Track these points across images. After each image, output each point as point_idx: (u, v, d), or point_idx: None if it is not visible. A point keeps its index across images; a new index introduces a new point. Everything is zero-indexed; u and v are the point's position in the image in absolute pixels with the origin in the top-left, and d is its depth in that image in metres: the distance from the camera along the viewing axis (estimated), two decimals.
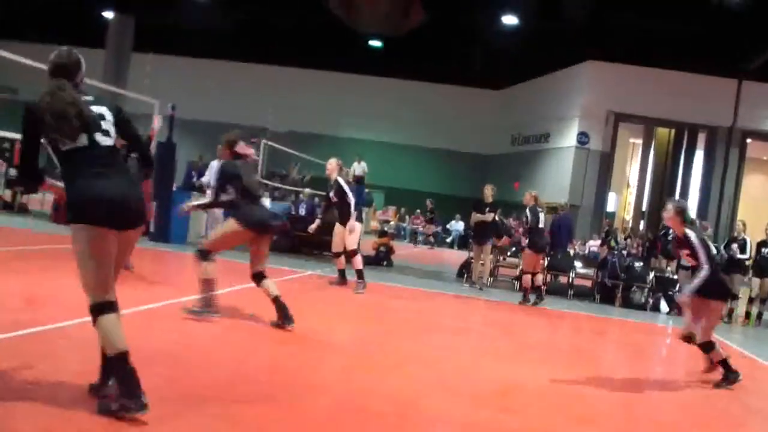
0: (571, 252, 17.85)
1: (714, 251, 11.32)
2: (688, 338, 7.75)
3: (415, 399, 5.66)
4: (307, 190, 20.78)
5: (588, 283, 16.23)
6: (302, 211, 19.42)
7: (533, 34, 28.05)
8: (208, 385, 5.34)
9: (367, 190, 24.83)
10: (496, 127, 35.97)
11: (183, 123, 17.36)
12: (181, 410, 4.55)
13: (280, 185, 23.86)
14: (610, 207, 32.18)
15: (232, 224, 7.54)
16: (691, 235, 7.61)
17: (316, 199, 21.40)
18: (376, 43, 33.60)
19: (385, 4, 25.38)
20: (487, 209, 14.69)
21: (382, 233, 19.69)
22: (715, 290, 7.68)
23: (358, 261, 12.19)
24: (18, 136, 15.40)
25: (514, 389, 6.50)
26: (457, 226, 31.03)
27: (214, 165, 16.57)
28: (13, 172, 20.47)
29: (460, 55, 32.66)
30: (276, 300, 7.66)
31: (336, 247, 12.57)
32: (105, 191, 4.35)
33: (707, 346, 7.68)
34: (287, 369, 6.23)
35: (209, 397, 4.99)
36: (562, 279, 16.70)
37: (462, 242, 28.63)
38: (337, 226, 12.48)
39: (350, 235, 12.22)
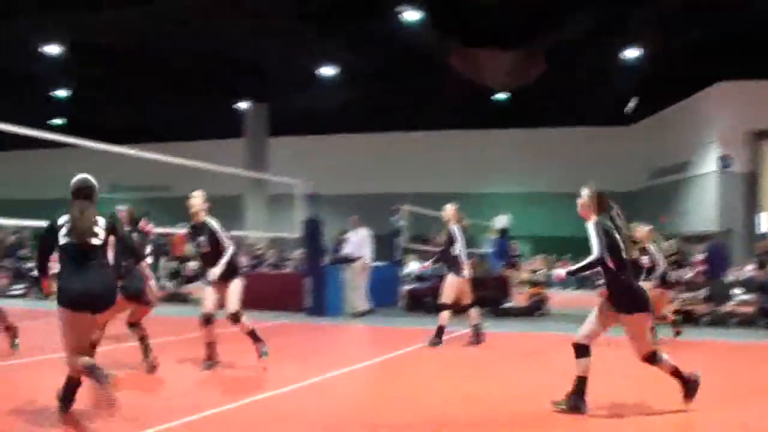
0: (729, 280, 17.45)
1: None
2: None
3: None
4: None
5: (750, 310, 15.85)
6: None
7: (658, 63, 27.77)
8: None
9: (514, 242, 24.94)
10: (632, 162, 35.56)
11: (327, 199, 18.08)
12: None
13: (424, 247, 24.26)
14: (763, 228, 31.17)
15: None
16: None
17: None
18: (501, 96, 33.89)
19: (507, 61, 25.69)
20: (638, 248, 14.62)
21: (533, 283, 19.78)
22: None
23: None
24: (175, 230, 16.49)
25: None
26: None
27: (350, 236, 17.36)
28: (173, 264, 21.72)
29: (587, 96, 32.56)
30: None
31: (447, 298, 11.99)
32: (75, 285, 6.12)
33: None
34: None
35: None
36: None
37: None
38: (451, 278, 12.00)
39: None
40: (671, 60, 27.18)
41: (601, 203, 6.59)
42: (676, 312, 15.85)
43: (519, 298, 19.26)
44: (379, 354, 10.44)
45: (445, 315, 11.79)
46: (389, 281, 19.31)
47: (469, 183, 37.41)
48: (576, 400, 6.64)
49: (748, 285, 16.75)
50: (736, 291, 16.03)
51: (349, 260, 17.25)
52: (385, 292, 18.44)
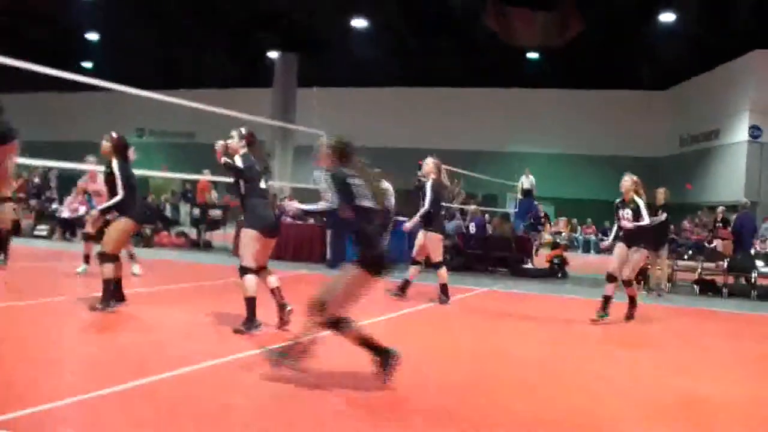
0: (753, 251, 17.30)
1: None
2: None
3: (611, 422, 5.64)
4: (473, 207, 21.03)
5: None
6: (472, 229, 19.71)
7: (694, 29, 27.43)
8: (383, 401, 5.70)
9: (537, 203, 24.89)
10: (663, 128, 35.25)
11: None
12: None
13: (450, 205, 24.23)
14: None
15: None
16: None
17: (487, 216, 21.62)
18: (533, 55, 33.61)
19: (542, 21, 25.36)
20: (660, 212, 14.55)
21: (554, 245, 19.75)
22: None
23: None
24: (198, 176, 16.47)
25: (706, 403, 6.36)
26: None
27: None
28: (196, 211, 21.79)
29: (621, 59, 32.21)
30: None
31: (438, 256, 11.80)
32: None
33: None
34: (466, 386, 6.41)
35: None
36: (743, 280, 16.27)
37: None
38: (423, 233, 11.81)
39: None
40: (706, 26, 26.82)
41: (341, 154, 6.31)
42: (696, 281, 15.86)
43: (539, 260, 19.25)
44: (393, 309, 10.45)
45: (442, 272, 11.64)
46: (412, 237, 19.23)
47: (498, 141, 37.28)
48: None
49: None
50: (759, 263, 15.87)
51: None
52: (407, 248, 18.35)
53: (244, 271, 7.96)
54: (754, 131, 28.87)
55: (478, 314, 11.05)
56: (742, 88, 29.75)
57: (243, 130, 8.36)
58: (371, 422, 5.15)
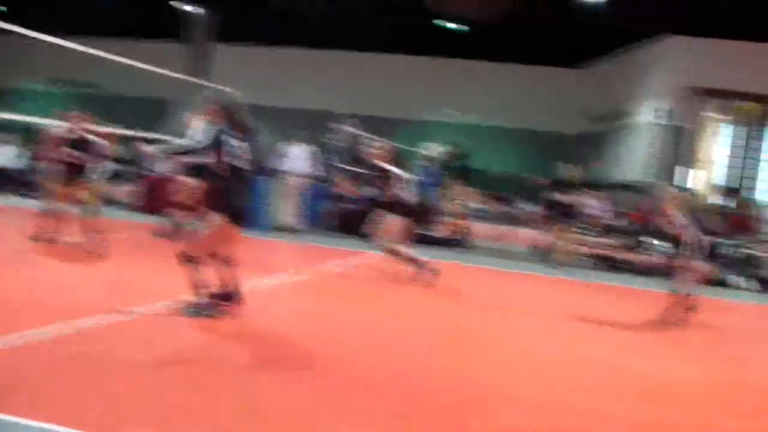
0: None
1: None
2: None
3: (504, 384, 5.82)
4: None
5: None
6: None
7: (610, 11, 27.81)
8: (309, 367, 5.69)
9: (445, 173, 25.01)
10: (574, 106, 35.68)
11: (263, 111, 17.77)
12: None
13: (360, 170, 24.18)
14: (690, 184, 31.74)
15: None
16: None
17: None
18: (453, 26, 33.66)
19: None
20: (567, 189, 14.82)
21: (460, 214, 19.88)
22: None
23: None
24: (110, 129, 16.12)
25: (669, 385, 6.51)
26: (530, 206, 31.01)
27: (294, 151, 17.09)
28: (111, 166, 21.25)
29: (537, 35, 32.50)
30: None
31: None
32: None
33: None
34: (370, 357, 6.41)
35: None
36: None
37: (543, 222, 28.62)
38: None
39: None
40: (623, 8, 27.22)
41: (227, 113, 6.71)
42: (597, 256, 16.26)
43: (443, 228, 19.36)
44: (306, 269, 10.44)
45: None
46: (321, 201, 19.18)
47: (412, 109, 37.25)
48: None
49: (662, 236, 16.94)
50: (654, 241, 16.32)
51: (281, 174, 17.02)
52: (315, 212, 18.30)
53: None
54: (661, 114, 29.48)
55: (377, 281, 11.07)
56: (653, 71, 30.33)
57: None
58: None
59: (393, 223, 11.12)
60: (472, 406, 5.21)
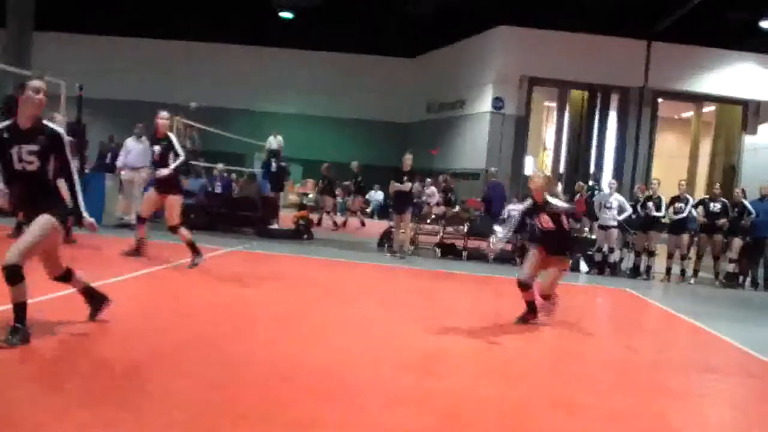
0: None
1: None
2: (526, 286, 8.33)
3: (340, 369, 5.63)
4: (220, 166, 20.40)
5: (509, 247, 16.27)
6: (218, 188, 19.12)
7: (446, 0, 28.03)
8: (128, 360, 5.21)
9: (284, 164, 24.57)
10: (412, 94, 35.92)
11: (92, 103, 16.85)
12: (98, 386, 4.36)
13: (196, 162, 23.43)
14: (528, 170, 32.43)
15: None
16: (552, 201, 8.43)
17: (233, 175, 21.06)
18: (287, 14, 33.20)
19: None
20: (406, 178, 14.62)
21: (301, 206, 19.49)
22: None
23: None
24: None
25: (439, 354, 6.52)
26: (377, 196, 30.95)
27: (130, 144, 16.14)
28: None
29: (373, 24, 32.44)
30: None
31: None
32: None
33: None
34: (207, 343, 6.10)
35: (129, 373, 4.86)
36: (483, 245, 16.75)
37: (382, 212, 28.61)
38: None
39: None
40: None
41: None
42: (438, 244, 16.14)
43: (285, 221, 18.92)
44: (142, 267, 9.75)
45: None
46: None
47: (249, 100, 36.56)
48: None
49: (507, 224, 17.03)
50: (497, 228, 16.31)
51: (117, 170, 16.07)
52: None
53: None
54: (497, 103, 29.96)
55: (222, 275, 10.49)
56: (487, 61, 30.77)
57: None
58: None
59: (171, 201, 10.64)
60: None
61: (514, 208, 20.76)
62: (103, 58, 35.23)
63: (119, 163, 15.91)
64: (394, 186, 14.77)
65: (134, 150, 15.70)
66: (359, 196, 24.76)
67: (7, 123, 5.71)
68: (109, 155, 18.90)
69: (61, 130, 5.82)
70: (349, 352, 6.19)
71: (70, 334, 5.92)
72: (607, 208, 15.05)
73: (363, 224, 23.34)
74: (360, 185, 24.46)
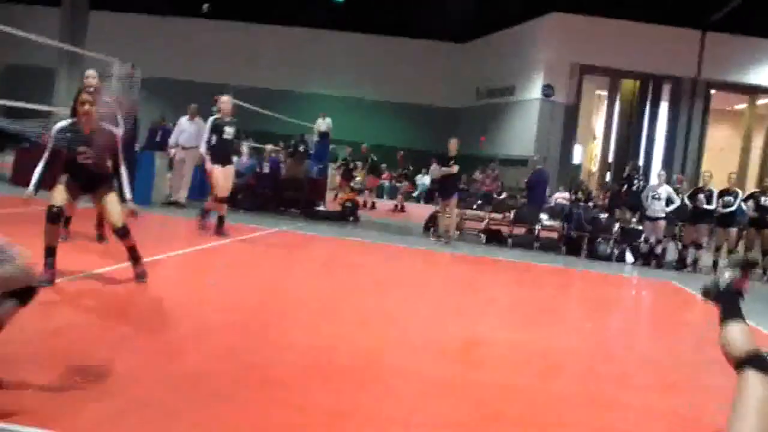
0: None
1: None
2: None
3: (380, 354, 5.60)
4: (269, 147, 20.53)
5: (554, 235, 16.23)
6: (266, 169, 19.23)
7: None
8: (167, 342, 5.27)
9: (332, 147, 24.66)
10: (461, 80, 35.80)
11: (144, 82, 17.03)
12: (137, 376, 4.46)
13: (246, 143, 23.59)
14: (576, 159, 32.23)
15: None
16: None
17: (281, 156, 21.14)
18: None
19: None
20: (452, 163, 14.60)
21: (349, 189, 19.54)
22: None
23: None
24: None
25: (479, 344, 6.45)
26: (424, 180, 30.95)
27: (184, 123, 16.29)
28: None
29: (424, 9, 32.37)
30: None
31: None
32: None
33: None
34: (250, 326, 6.13)
35: (172, 357, 4.91)
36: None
37: (429, 197, 28.61)
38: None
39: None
40: None
41: None
42: (483, 231, 16.14)
43: (332, 203, 19.02)
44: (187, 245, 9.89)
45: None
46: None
47: (292, 82, 36.69)
48: None
49: (553, 212, 16.96)
50: (543, 216, 16.28)
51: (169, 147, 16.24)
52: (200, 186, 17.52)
53: None
54: (547, 90, 29.78)
55: (261, 253, 10.61)
56: (538, 48, 30.58)
57: None
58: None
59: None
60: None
61: (562, 197, 20.77)
62: (157, 38, 35.61)
63: (172, 141, 16.09)
64: (440, 170, 14.77)
65: (187, 130, 15.85)
66: (371, 176, 24.40)
67: None
68: (159, 134, 19.06)
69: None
70: (388, 340, 6.15)
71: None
72: (656, 199, 14.88)
73: (373, 206, 23.14)
74: (375, 164, 24.19)
